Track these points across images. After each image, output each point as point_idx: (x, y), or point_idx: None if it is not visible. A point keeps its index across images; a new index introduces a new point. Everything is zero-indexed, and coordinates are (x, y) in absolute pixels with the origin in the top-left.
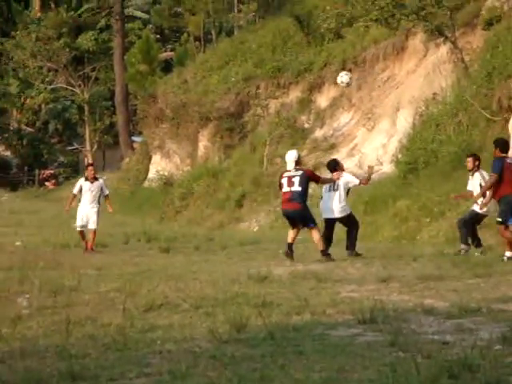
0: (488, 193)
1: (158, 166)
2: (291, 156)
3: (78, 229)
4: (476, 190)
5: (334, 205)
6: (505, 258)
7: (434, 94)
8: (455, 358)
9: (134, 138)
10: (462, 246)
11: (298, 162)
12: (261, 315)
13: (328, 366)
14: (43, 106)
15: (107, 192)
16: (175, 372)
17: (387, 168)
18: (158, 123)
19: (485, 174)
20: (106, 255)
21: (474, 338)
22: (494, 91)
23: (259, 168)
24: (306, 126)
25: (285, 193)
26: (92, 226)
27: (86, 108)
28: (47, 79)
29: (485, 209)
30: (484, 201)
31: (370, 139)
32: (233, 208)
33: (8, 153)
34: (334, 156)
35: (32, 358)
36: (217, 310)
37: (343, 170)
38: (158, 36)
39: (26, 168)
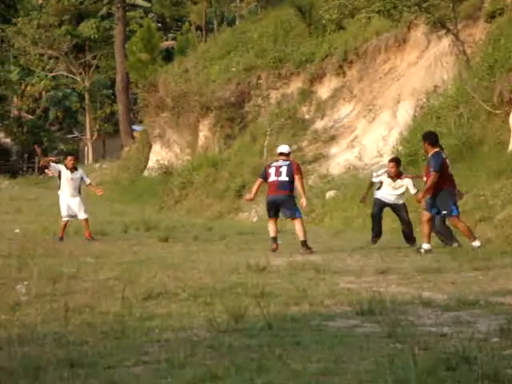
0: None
1: (158, 155)
2: (284, 148)
3: (65, 219)
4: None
5: None
6: (422, 250)
7: (436, 86)
8: (453, 350)
9: (135, 127)
10: (455, 243)
11: (288, 156)
12: (259, 305)
13: (325, 356)
14: (44, 93)
15: (88, 181)
16: (173, 360)
17: (387, 160)
18: (159, 112)
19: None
20: (105, 244)
21: (472, 330)
22: (496, 84)
23: (259, 158)
24: (307, 117)
25: (272, 182)
26: (84, 215)
27: (87, 96)
28: (48, 67)
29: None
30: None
31: (371, 131)
32: (232, 198)
33: (8, 140)
34: (334, 148)
35: (30, 344)
36: (215, 300)
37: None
38: (160, 25)
39: (25, 155)
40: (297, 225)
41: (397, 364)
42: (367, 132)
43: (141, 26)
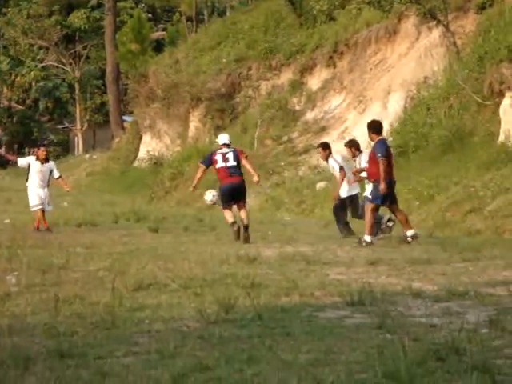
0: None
1: (149, 145)
2: (226, 138)
3: (36, 208)
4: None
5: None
6: (363, 242)
7: (426, 77)
8: (442, 341)
9: (125, 118)
10: (381, 235)
11: (229, 145)
12: (249, 296)
13: (315, 347)
14: (34, 83)
15: (58, 174)
16: (163, 351)
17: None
18: (149, 103)
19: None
20: (95, 234)
21: (462, 321)
22: (486, 75)
23: (250, 149)
24: (297, 108)
25: (221, 167)
26: (50, 207)
27: (77, 86)
28: (38, 57)
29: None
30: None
31: (361, 122)
32: None
33: None
34: (325, 138)
35: (20, 335)
36: (205, 291)
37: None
38: (150, 15)
39: (15, 146)
40: (244, 210)
41: (386, 355)
42: (358, 123)
43: (131, 16)
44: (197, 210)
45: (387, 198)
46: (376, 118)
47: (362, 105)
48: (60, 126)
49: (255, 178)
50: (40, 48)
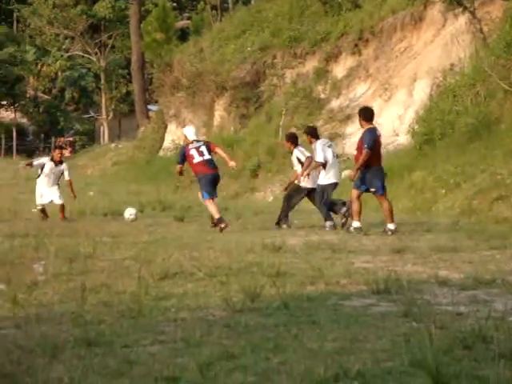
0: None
1: (174, 135)
2: (194, 133)
3: (40, 207)
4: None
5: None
6: (351, 228)
7: (452, 64)
8: (469, 329)
9: (150, 107)
10: (329, 223)
11: (198, 139)
12: (275, 285)
13: (341, 335)
14: (60, 73)
15: (68, 177)
16: (189, 340)
17: (403, 139)
18: (174, 92)
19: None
20: (121, 223)
21: (489, 309)
22: None
23: (274, 138)
24: (322, 96)
25: (198, 163)
26: (59, 201)
27: (102, 76)
28: (64, 46)
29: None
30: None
31: (387, 110)
32: (248, 178)
33: (24, 120)
34: (350, 127)
35: (48, 323)
36: (231, 279)
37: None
38: (175, 4)
39: (42, 135)
40: (214, 204)
41: (413, 343)
42: (383, 111)
43: (156, 5)
44: (221, 199)
45: (367, 183)
46: (402, 105)
47: (388, 92)
48: (86, 116)
49: (232, 163)
50: (66, 38)
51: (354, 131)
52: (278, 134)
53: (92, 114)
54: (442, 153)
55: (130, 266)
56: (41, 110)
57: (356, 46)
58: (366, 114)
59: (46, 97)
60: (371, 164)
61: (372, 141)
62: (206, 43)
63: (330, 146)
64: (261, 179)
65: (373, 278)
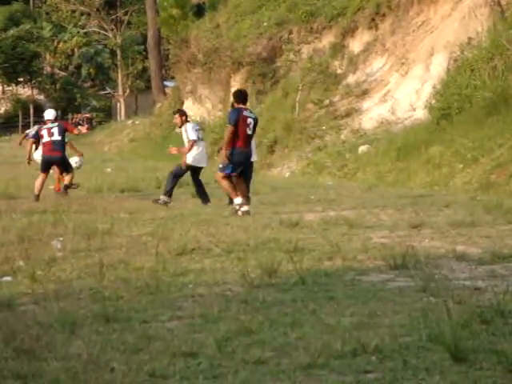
0: (187, 146)
1: (190, 111)
2: (51, 114)
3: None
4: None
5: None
6: (236, 206)
7: (470, 38)
8: (487, 304)
9: (167, 83)
10: (162, 197)
11: (56, 119)
12: (292, 260)
13: (359, 310)
14: (76, 49)
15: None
16: (207, 315)
17: (420, 114)
18: (190, 68)
19: (188, 127)
20: (138, 200)
21: (507, 283)
22: None
23: (291, 114)
24: (339, 71)
25: (46, 142)
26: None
27: (119, 52)
28: (80, 23)
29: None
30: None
31: (404, 85)
32: (264, 154)
33: (41, 96)
34: (366, 102)
35: (66, 299)
36: (248, 255)
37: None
38: None
39: (59, 112)
40: (67, 178)
41: (431, 318)
42: (400, 86)
43: None
44: None
45: (237, 168)
46: (419, 80)
47: (405, 67)
48: (102, 92)
49: (81, 129)
50: (82, 14)
51: (371, 106)
52: (295, 109)
53: (108, 90)
54: (460, 127)
55: (148, 242)
56: (57, 86)
57: (373, 20)
58: (237, 96)
59: (63, 73)
60: (235, 145)
61: (234, 119)
62: (222, 19)
63: (198, 130)
64: (277, 155)
65: (390, 254)
